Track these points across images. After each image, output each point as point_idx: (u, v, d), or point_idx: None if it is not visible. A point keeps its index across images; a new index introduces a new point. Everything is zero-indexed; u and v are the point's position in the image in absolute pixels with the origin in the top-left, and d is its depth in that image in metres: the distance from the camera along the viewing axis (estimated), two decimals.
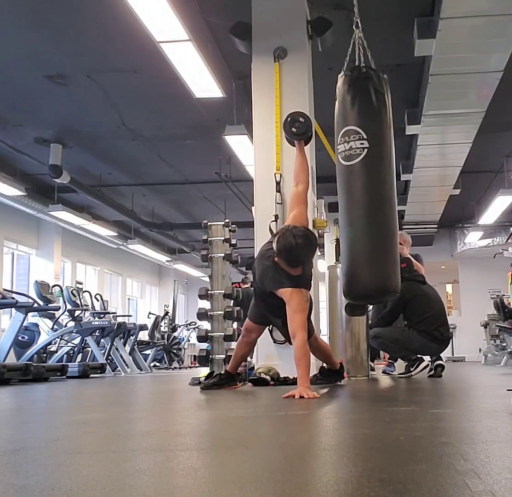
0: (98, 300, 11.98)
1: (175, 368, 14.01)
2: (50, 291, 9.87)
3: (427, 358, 6.06)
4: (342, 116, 4.29)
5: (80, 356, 9.27)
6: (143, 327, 11.62)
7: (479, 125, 8.39)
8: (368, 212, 4.18)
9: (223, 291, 5.81)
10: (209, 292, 5.85)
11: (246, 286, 10.40)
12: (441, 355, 6.04)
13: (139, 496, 1.20)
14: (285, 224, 4.13)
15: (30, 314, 8.37)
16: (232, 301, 5.93)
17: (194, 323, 16.37)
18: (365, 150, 4.13)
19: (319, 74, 6.01)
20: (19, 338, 8.50)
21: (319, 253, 4.75)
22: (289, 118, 4.44)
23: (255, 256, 4.52)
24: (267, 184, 5.47)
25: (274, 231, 5.00)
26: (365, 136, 4.14)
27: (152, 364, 12.95)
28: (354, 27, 4.47)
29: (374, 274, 4.17)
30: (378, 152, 4.19)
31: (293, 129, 4.40)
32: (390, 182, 4.25)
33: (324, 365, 4.71)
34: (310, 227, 5.40)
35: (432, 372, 5.90)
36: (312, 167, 5.59)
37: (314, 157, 5.74)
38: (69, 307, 9.66)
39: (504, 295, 11.64)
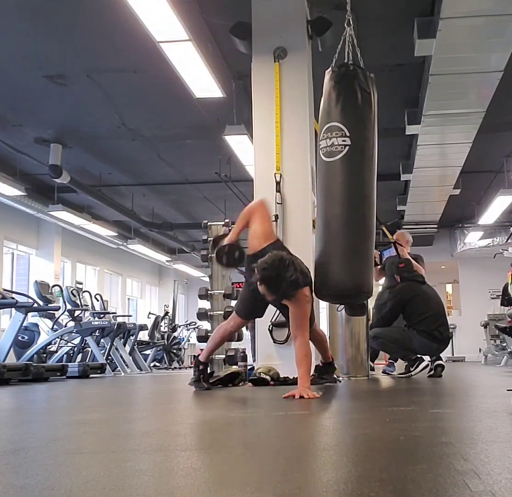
0: (98, 300, 11.97)
1: (175, 368, 14.00)
2: (50, 291, 9.86)
3: (427, 358, 6.06)
4: (326, 112, 4.25)
5: (80, 356, 9.26)
6: (143, 327, 11.61)
7: (479, 125, 8.39)
8: (345, 211, 4.11)
9: (223, 291, 5.81)
10: (209, 292, 5.86)
11: None
12: (441, 355, 6.05)
13: (139, 496, 1.20)
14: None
15: (30, 314, 8.36)
16: (232, 301, 5.93)
17: (194, 323, 16.35)
18: (347, 147, 4.08)
19: (319, 74, 5.99)
20: (19, 338, 8.49)
21: None
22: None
23: None
24: (267, 184, 5.47)
25: (275, 232, 4.99)
26: (347, 134, 4.09)
27: (152, 364, 12.94)
28: (345, 24, 4.46)
29: (346, 274, 4.09)
30: (360, 150, 4.14)
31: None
32: (370, 182, 4.19)
33: (319, 363, 4.73)
34: (310, 228, 5.41)
35: (432, 372, 5.90)
36: (312, 167, 5.59)
37: (314, 158, 5.74)
38: (69, 307, 9.65)
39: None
